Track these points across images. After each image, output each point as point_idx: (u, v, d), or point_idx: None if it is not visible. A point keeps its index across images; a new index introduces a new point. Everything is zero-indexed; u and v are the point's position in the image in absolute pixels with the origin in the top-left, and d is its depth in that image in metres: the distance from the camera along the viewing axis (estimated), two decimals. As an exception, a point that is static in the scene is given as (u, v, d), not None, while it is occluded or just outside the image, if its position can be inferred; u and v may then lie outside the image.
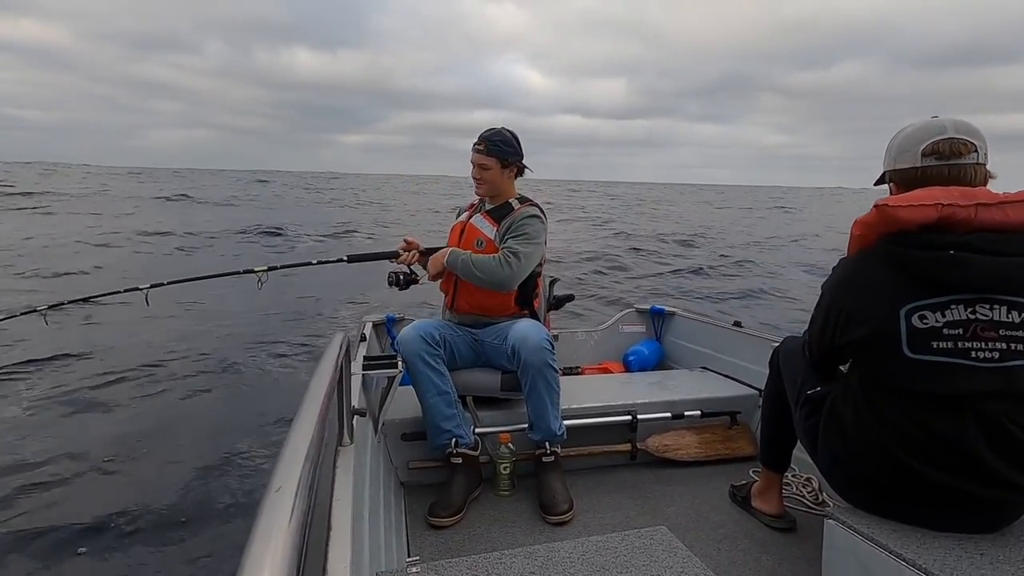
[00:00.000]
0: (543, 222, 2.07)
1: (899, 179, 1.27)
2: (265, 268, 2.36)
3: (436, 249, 2.20)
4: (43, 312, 2.42)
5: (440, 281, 2.16)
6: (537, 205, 2.11)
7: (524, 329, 1.88)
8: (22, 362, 4.46)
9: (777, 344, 1.69)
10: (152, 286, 2.36)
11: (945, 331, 1.11)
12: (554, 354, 1.87)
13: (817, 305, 1.34)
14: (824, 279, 1.34)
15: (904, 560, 1.08)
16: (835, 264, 1.32)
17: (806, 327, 1.42)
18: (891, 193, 1.30)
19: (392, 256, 2.20)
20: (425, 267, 2.19)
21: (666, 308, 3.21)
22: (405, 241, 2.21)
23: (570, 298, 2.71)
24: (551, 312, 2.46)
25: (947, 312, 1.11)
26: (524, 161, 2.12)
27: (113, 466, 3.04)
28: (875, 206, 1.18)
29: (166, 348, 5.03)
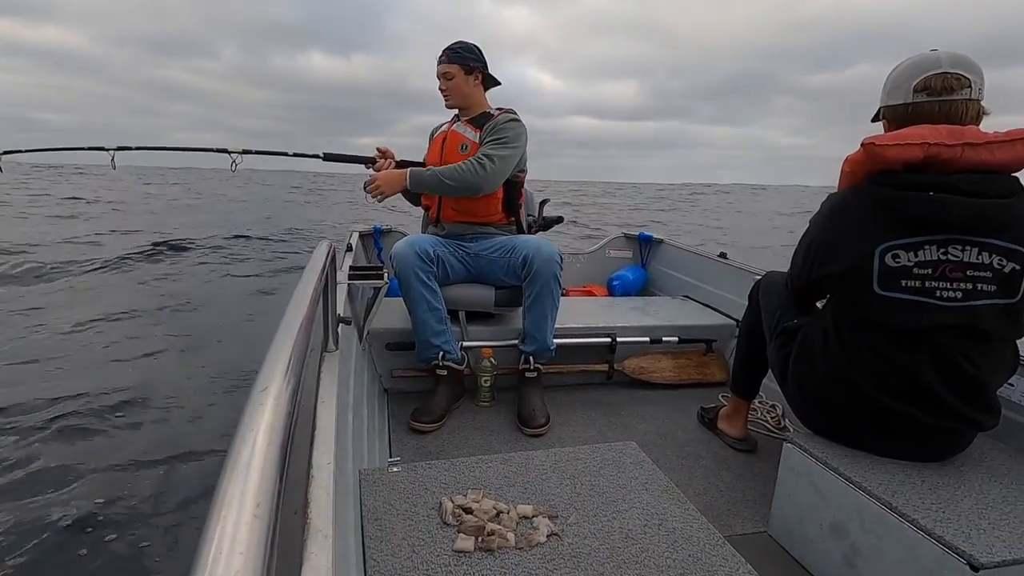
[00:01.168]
0: (523, 126, 2.06)
1: (891, 115, 1.26)
2: (240, 151, 2.29)
3: (411, 163, 2.16)
4: None
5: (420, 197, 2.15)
6: (515, 112, 2.08)
7: (537, 241, 1.93)
8: None
9: (759, 277, 1.71)
10: (119, 148, 2.25)
11: (915, 270, 1.14)
12: (562, 269, 1.92)
13: (802, 238, 1.35)
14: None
15: (851, 482, 1.16)
16: (824, 200, 1.31)
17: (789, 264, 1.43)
18: (884, 130, 1.28)
19: (368, 161, 2.16)
20: None
21: (654, 235, 3.22)
22: (378, 150, 2.15)
23: (559, 219, 2.70)
24: (540, 233, 2.45)
25: (920, 252, 1.14)
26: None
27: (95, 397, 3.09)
28: (862, 144, 1.16)
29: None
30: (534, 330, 1.93)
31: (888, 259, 1.15)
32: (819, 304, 1.46)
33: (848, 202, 1.23)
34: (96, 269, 5.95)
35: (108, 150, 2.23)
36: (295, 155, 2.40)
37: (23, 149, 2.49)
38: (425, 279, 1.89)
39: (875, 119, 1.34)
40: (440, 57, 2.05)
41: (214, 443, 2.51)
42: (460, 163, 1.94)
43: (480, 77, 2.08)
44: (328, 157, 2.30)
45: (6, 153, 2.29)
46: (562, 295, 2.91)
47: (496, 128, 2.00)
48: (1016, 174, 1.15)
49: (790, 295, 1.45)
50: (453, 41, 2.09)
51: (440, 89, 2.07)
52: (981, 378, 1.17)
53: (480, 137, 2.03)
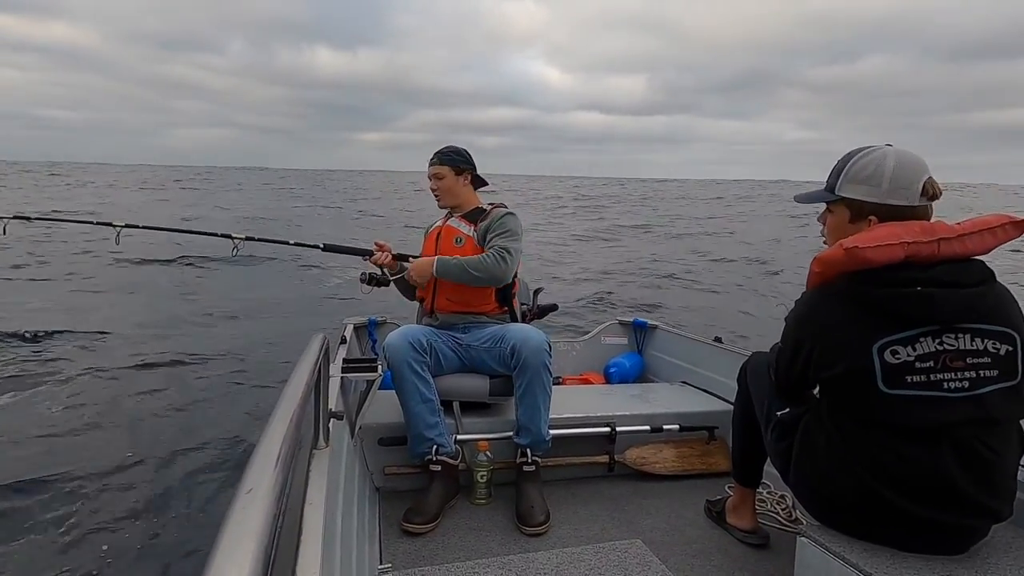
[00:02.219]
0: (519, 220, 2.15)
1: (883, 214, 1.22)
2: (243, 237, 2.36)
3: (408, 256, 2.23)
4: (5, 220, 2.31)
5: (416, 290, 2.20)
6: (506, 206, 2.18)
7: (525, 330, 1.94)
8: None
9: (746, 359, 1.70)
10: (127, 225, 2.32)
11: (917, 364, 1.13)
12: (552, 358, 1.91)
13: (783, 339, 1.33)
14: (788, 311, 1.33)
15: None
16: (797, 298, 1.31)
17: (772, 348, 1.42)
18: (849, 219, 1.27)
19: (365, 254, 2.23)
20: (395, 272, 2.22)
21: (648, 321, 3.23)
22: (376, 244, 2.22)
23: (554, 307, 2.72)
24: (533, 322, 2.46)
25: (917, 345, 1.14)
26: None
27: (73, 465, 2.96)
28: (843, 248, 1.16)
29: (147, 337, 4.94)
30: (528, 421, 1.89)
31: (888, 356, 1.14)
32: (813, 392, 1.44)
33: (830, 303, 1.22)
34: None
35: (116, 226, 2.33)
36: (296, 244, 2.50)
37: (32, 216, 2.54)
38: (418, 369, 1.87)
39: (820, 200, 1.33)
40: (431, 160, 2.18)
41: (193, 544, 2.36)
42: (483, 255, 2.02)
43: (469, 177, 2.20)
44: (328, 248, 2.38)
45: (15, 218, 2.37)
46: (558, 383, 2.89)
47: (497, 223, 2.08)
48: (981, 257, 1.18)
49: (777, 390, 1.42)
50: (443, 147, 2.21)
51: (432, 189, 2.18)
52: (1000, 464, 1.14)
53: (475, 231, 2.11)
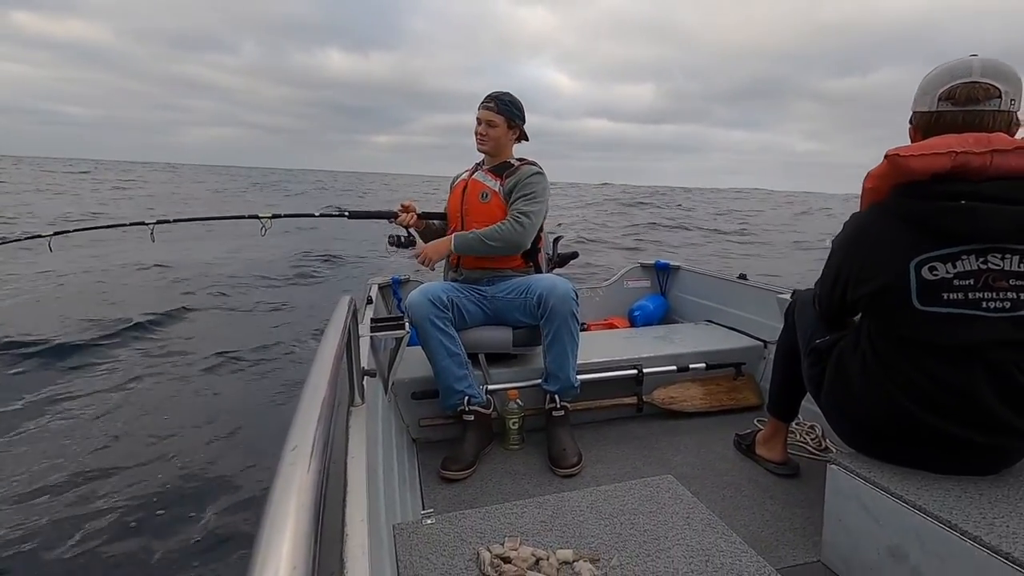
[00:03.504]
0: (546, 179, 2.11)
1: (917, 122, 1.22)
2: (270, 216, 2.39)
3: (433, 215, 2.22)
4: (47, 238, 2.42)
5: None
6: (537, 165, 2.12)
7: (552, 279, 1.93)
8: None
9: (785, 296, 1.69)
10: (158, 222, 2.39)
11: (956, 282, 1.10)
12: (578, 306, 1.91)
13: (828, 262, 1.31)
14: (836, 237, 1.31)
15: (905, 501, 1.11)
16: (847, 220, 1.29)
17: (816, 281, 1.40)
18: (911, 137, 1.26)
19: (391, 216, 2.23)
20: (421, 232, 2.23)
21: (671, 263, 3.20)
22: (402, 205, 2.21)
23: (574, 255, 2.71)
24: (556, 270, 2.46)
25: (958, 263, 1.10)
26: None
27: (125, 440, 3.12)
28: (886, 156, 1.14)
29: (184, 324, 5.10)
30: (556, 369, 1.92)
31: (925, 272, 1.11)
32: (852, 320, 1.42)
33: (875, 218, 1.19)
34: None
35: (148, 224, 2.40)
36: (321, 215, 2.52)
37: (71, 229, 2.63)
38: (441, 325, 1.90)
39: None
40: (487, 103, 2.09)
41: (246, 502, 2.50)
42: (499, 224, 2.00)
43: (517, 132, 2.15)
44: (354, 215, 2.39)
45: (56, 234, 2.46)
46: (583, 330, 2.91)
47: (523, 183, 2.05)
48: None
49: (820, 315, 1.42)
50: (499, 91, 2.12)
51: (477, 133, 2.11)
52: None
53: (501, 187, 2.08)
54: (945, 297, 1.11)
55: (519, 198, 2.03)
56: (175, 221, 2.46)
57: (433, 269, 2.11)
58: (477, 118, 2.11)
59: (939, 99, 1.17)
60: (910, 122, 1.27)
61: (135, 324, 4.90)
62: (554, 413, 1.93)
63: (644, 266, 3.31)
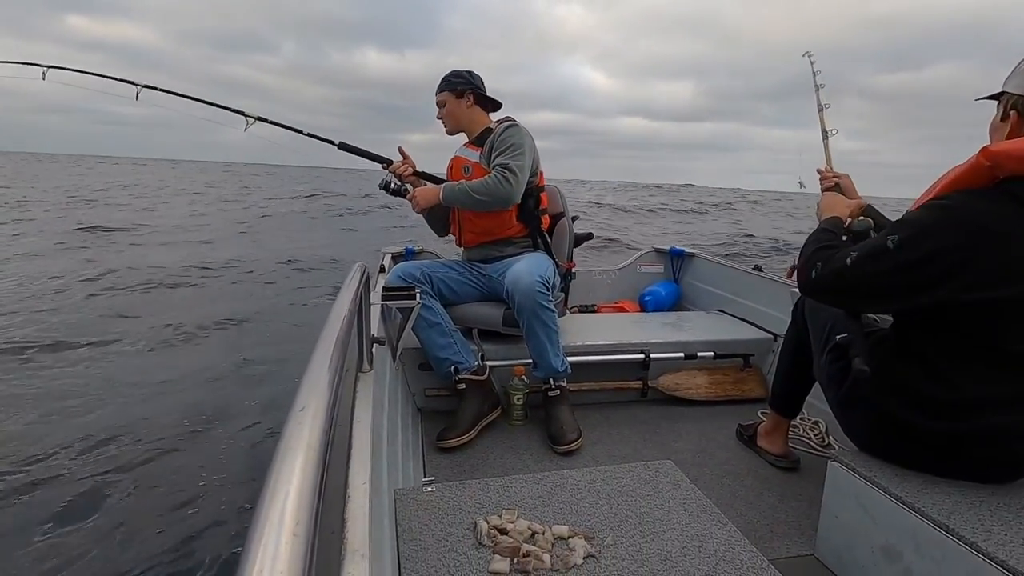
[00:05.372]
0: (523, 129, 2.05)
1: (1023, 109, 1.08)
2: (255, 117, 2.25)
3: (429, 176, 2.19)
4: (44, 68, 2.30)
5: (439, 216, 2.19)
6: (513, 119, 2.10)
7: (518, 270, 1.87)
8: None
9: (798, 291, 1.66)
10: (146, 86, 2.31)
11: None
12: (548, 294, 1.85)
13: (909, 238, 1.06)
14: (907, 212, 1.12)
15: (903, 502, 1.11)
16: (937, 199, 1.08)
17: (853, 255, 1.13)
18: (997, 123, 1.14)
19: (384, 161, 2.17)
20: (415, 186, 2.16)
21: (686, 250, 3.18)
22: (400, 152, 2.17)
23: (589, 236, 2.70)
24: (574, 249, 2.45)
25: None
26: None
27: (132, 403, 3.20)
28: None
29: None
30: (538, 356, 1.91)
31: None
32: (874, 317, 1.38)
33: (1009, 210, 1.02)
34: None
35: (137, 85, 2.31)
36: (309, 135, 2.31)
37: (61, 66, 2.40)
38: None
39: (989, 98, 1.17)
40: (436, 91, 2.12)
41: (252, 463, 2.57)
42: (486, 177, 1.96)
43: (472, 97, 2.09)
44: (343, 146, 2.24)
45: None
46: (592, 311, 2.90)
47: (499, 141, 2.01)
48: None
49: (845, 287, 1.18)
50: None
51: (438, 119, 2.14)
52: None
53: (482, 156, 2.06)
54: None
55: (498, 154, 1.99)
56: (163, 91, 2.31)
57: (420, 213, 2.11)
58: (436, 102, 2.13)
59: None
60: (1004, 105, 1.12)
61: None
62: (550, 393, 1.94)
63: (659, 251, 3.29)
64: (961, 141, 1.18)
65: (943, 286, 1.04)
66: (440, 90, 2.09)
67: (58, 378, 3.42)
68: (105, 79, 2.38)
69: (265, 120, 2.25)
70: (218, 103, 2.28)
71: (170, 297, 5.61)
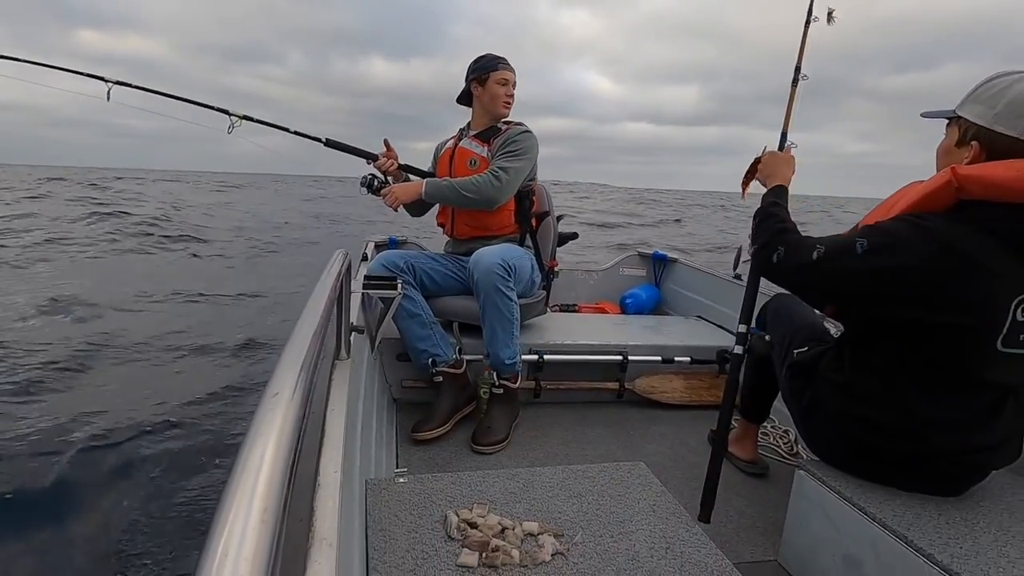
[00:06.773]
0: (534, 138, 2.05)
1: (985, 140, 1.05)
2: (241, 116, 2.16)
3: (413, 169, 2.16)
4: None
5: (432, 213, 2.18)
6: (524, 125, 2.08)
7: (483, 251, 1.83)
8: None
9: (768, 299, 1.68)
10: (118, 82, 2.14)
11: None
12: (508, 280, 1.80)
13: (889, 246, 1.05)
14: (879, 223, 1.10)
15: (866, 513, 1.14)
16: (913, 216, 1.06)
17: (820, 250, 1.12)
18: (951, 147, 1.12)
19: (370, 157, 2.12)
20: (397, 180, 2.11)
21: (668, 255, 3.20)
22: (385, 144, 2.12)
23: (574, 236, 2.70)
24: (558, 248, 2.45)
25: None
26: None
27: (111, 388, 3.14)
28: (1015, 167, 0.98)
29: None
30: (487, 344, 1.87)
31: (1019, 312, 1.01)
32: (830, 328, 1.41)
33: (979, 241, 1.01)
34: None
35: (107, 81, 2.14)
36: (296, 133, 2.24)
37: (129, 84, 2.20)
38: None
39: (952, 126, 1.14)
40: (507, 65, 2.04)
41: (221, 448, 2.54)
42: (476, 175, 1.95)
43: None
44: (330, 143, 2.19)
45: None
46: (573, 311, 2.91)
47: (509, 140, 2.00)
48: None
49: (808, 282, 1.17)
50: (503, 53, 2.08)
51: (507, 95, 2.05)
52: None
53: (489, 151, 2.03)
54: (1021, 338, 1.03)
55: (503, 154, 1.98)
56: (136, 88, 2.20)
57: (397, 211, 2.04)
58: (503, 79, 2.02)
59: None
60: (975, 138, 1.07)
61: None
62: (493, 390, 1.90)
63: (642, 255, 3.31)
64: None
65: (913, 306, 1.05)
66: (509, 67, 2.04)
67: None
68: (72, 73, 2.23)
69: (251, 119, 2.15)
70: (201, 101, 2.16)
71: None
